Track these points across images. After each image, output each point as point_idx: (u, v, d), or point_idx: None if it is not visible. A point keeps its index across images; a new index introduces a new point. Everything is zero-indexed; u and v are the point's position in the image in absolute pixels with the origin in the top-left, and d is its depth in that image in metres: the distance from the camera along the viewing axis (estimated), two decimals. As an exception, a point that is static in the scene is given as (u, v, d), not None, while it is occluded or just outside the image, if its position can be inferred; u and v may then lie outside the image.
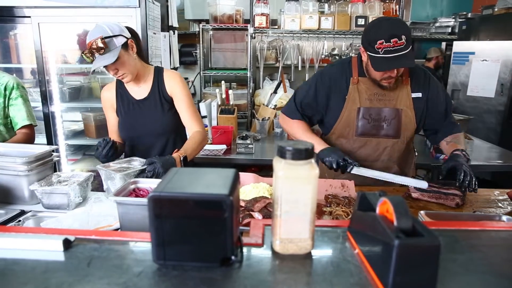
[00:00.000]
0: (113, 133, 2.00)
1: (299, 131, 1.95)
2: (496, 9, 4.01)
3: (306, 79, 3.79)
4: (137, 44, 1.84)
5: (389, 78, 1.71)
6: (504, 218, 1.34)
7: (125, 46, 1.75)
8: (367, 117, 1.82)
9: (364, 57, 1.73)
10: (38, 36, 2.84)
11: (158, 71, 1.96)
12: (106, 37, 1.68)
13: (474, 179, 1.58)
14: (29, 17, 2.79)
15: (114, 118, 1.98)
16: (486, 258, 0.75)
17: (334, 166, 1.71)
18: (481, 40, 4.28)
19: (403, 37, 1.56)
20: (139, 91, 1.94)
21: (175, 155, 1.71)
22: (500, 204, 1.64)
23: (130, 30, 1.84)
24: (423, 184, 1.66)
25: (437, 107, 1.85)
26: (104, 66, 1.71)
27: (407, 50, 1.59)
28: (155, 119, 1.92)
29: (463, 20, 4.51)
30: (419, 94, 1.82)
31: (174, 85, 1.93)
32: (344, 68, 1.86)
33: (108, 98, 1.96)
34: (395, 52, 1.57)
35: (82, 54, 1.71)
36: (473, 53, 4.27)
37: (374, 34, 1.62)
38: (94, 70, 1.77)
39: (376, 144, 1.87)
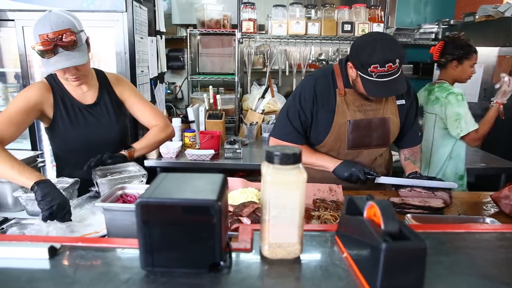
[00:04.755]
0: (4, 132, 1.48)
1: (304, 157, 1.79)
2: (477, 17, 4.10)
3: (294, 84, 3.82)
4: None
5: (378, 97, 1.72)
6: (488, 220, 1.37)
7: (86, 43, 1.53)
8: (357, 129, 1.77)
9: (353, 73, 1.66)
10: (22, 40, 2.79)
11: (101, 74, 1.78)
12: (75, 31, 1.42)
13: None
14: (13, 20, 2.75)
15: (25, 119, 1.53)
16: (471, 260, 0.76)
17: (362, 177, 1.69)
18: (463, 46, 4.35)
19: (397, 60, 1.53)
20: (84, 96, 1.70)
21: (124, 152, 1.67)
22: (484, 207, 1.67)
23: None
24: (453, 185, 1.66)
25: (411, 115, 1.88)
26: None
27: (399, 73, 1.57)
28: (109, 125, 1.74)
29: (446, 26, 4.60)
30: (403, 101, 1.83)
31: (123, 88, 1.80)
32: (327, 79, 1.78)
33: (37, 99, 1.58)
34: (389, 76, 1.55)
35: (36, 47, 1.38)
36: (456, 58, 4.32)
37: (368, 57, 1.54)
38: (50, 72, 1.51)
39: (367, 154, 1.85)
